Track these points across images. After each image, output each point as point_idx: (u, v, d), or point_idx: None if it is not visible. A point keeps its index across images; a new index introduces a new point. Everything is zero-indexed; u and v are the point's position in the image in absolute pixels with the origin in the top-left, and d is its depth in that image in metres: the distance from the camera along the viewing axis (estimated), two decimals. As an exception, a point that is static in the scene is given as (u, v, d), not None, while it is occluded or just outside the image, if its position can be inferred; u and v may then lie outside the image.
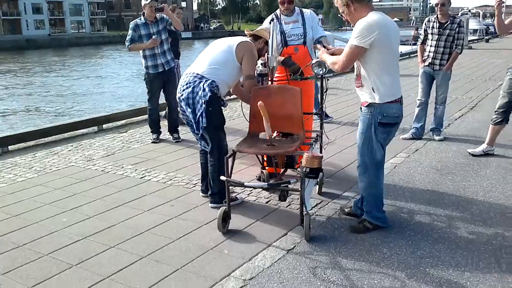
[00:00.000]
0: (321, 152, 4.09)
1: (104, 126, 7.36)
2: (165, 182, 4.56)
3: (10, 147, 6.27)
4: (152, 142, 6.20)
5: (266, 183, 3.43)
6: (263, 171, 4.29)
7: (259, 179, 4.40)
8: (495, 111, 5.03)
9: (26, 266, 3.01)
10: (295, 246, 3.18)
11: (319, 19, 4.79)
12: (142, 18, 6.04)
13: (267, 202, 3.96)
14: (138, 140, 6.38)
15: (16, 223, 3.70)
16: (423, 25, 5.98)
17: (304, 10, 4.65)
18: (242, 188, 4.11)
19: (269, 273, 2.84)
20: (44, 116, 16.34)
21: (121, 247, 3.24)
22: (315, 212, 3.72)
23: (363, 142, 3.31)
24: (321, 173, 3.91)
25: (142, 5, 5.98)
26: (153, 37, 5.91)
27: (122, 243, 3.29)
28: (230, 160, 3.44)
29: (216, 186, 3.77)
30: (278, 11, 4.59)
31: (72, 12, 73.79)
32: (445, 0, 5.61)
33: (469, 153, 5.20)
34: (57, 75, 29.10)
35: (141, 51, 6.03)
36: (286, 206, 3.85)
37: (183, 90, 3.73)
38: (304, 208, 3.28)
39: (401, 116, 3.28)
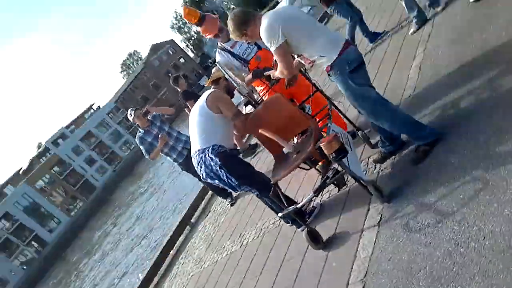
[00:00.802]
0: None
1: (192, 220, 7.78)
2: (259, 236, 4.76)
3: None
4: (231, 205, 6.44)
5: (313, 193, 3.49)
6: (317, 168, 4.35)
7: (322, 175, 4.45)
8: None
9: None
10: (381, 216, 3.22)
11: None
12: (140, 129, 6.37)
13: (338, 191, 4.01)
14: (221, 212, 6.67)
15: None
16: None
17: None
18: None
19: (376, 257, 2.90)
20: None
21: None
22: (381, 170, 3.73)
23: (353, 98, 3.37)
24: (360, 132, 3.96)
25: (131, 120, 6.38)
26: (160, 136, 6.20)
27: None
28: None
29: (286, 218, 3.91)
30: (219, 44, 4.68)
31: (113, 139, 78.37)
32: None
33: (470, 2, 4.90)
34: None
35: (161, 153, 6.36)
36: (354, 184, 3.87)
37: (200, 171, 3.91)
38: (361, 181, 3.31)
39: (359, 55, 3.33)
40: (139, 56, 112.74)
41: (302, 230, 3.61)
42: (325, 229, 3.64)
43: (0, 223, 61.38)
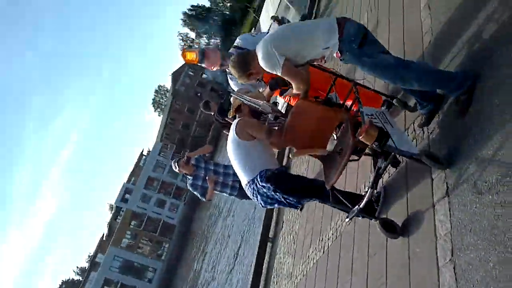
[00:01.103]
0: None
1: (270, 235, 7.78)
2: (337, 237, 4.66)
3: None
4: (300, 210, 6.27)
5: (370, 189, 3.35)
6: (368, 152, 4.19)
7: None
8: None
9: None
10: (446, 184, 3.02)
11: None
12: (189, 177, 6.42)
13: (397, 172, 3.85)
14: (294, 220, 6.62)
15: None
16: None
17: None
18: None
19: (457, 232, 2.72)
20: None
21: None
22: (430, 133, 3.53)
23: (373, 71, 3.27)
24: (395, 99, 3.79)
25: (178, 171, 6.48)
26: (207, 177, 6.22)
27: None
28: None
29: (356, 214, 3.77)
30: (227, 70, 4.58)
31: (173, 175, 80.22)
32: None
33: None
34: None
35: (215, 191, 6.40)
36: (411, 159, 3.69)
37: (258, 201, 3.87)
38: (413, 156, 3.15)
39: (359, 25, 3.22)
40: (165, 88, 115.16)
41: (376, 221, 3.50)
42: (396, 214, 3.49)
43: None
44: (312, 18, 12.68)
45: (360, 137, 3.04)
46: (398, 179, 3.76)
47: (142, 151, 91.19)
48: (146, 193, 76.08)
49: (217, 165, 6.54)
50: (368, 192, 3.32)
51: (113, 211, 79.42)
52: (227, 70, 4.60)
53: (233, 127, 3.94)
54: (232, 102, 4.23)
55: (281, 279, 6.17)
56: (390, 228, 3.37)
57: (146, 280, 66.15)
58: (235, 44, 4.54)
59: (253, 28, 24.27)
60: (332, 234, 4.76)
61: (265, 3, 17.02)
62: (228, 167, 6.46)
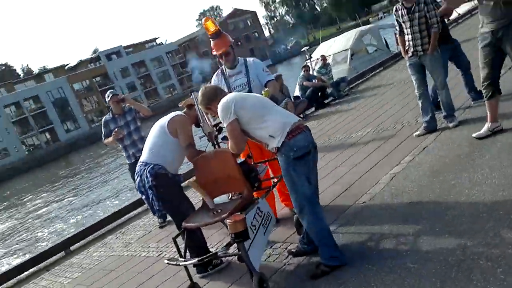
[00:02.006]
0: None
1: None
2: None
3: (72, 247, 7.02)
4: (160, 227, 6.20)
5: (200, 260, 3.47)
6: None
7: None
8: (482, 85, 4.53)
9: None
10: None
11: (265, 65, 4.72)
12: (110, 113, 6.31)
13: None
14: (141, 230, 6.59)
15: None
16: (393, 16, 5.62)
17: (248, 59, 4.66)
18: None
19: None
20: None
21: None
22: (287, 263, 3.68)
23: (288, 185, 3.34)
24: (295, 215, 3.89)
25: (107, 103, 6.28)
26: (116, 130, 6.07)
27: None
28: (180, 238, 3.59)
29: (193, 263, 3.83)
30: (223, 66, 4.66)
31: (161, 78, 79.30)
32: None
33: (475, 137, 4.71)
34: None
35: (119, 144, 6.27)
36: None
37: (135, 181, 3.98)
38: (251, 270, 3.27)
39: (310, 142, 3.30)
40: (220, 13, 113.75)
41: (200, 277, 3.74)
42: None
43: (27, 103, 63.65)
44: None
45: (227, 221, 3.19)
46: (239, 266, 3.88)
47: (157, 38, 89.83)
48: (129, 69, 75.85)
49: (137, 131, 6.27)
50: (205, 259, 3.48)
51: (92, 56, 77.81)
52: (223, 67, 4.65)
53: (171, 115, 4.03)
54: (190, 97, 4.25)
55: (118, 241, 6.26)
56: None
57: (65, 127, 66.26)
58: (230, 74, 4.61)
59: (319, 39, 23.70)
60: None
61: (346, 33, 16.69)
62: (142, 141, 5.86)
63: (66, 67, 77.82)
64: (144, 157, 4.00)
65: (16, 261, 11.59)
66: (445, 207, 3.59)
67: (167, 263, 3.56)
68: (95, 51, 78.52)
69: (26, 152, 60.53)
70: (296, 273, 3.50)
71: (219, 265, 4.07)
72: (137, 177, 3.96)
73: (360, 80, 12.97)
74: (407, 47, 5.50)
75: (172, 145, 3.95)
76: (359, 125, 7.51)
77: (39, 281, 6.01)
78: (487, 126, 4.67)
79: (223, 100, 3.41)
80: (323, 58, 11.91)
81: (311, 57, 14.10)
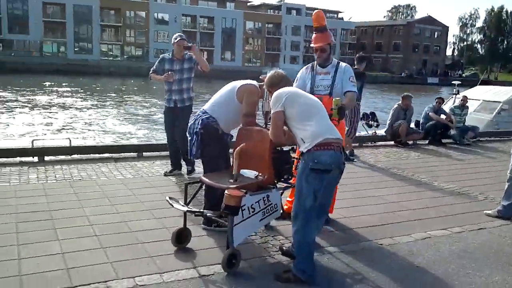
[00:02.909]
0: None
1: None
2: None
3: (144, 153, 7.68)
4: (164, 175, 6.35)
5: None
6: None
7: None
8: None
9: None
10: (212, 274, 3.41)
11: (353, 75, 4.60)
12: (170, 54, 6.32)
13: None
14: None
15: None
16: None
17: (341, 63, 4.65)
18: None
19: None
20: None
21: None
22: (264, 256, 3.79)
23: (297, 188, 3.41)
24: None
25: (172, 42, 6.27)
26: (168, 72, 6.10)
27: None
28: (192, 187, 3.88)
29: (203, 215, 4.03)
30: (315, 62, 4.70)
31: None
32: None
33: None
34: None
35: (164, 85, 6.32)
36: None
37: (191, 122, 4.30)
38: (229, 244, 3.45)
39: (334, 163, 3.30)
40: (413, 13, 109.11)
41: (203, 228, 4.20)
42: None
43: (202, 20, 68.08)
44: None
45: (226, 191, 3.38)
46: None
47: None
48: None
49: (188, 80, 6.26)
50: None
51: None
52: (314, 63, 4.70)
53: (246, 81, 4.28)
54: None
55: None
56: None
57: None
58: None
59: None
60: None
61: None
62: (189, 91, 6.31)
63: (248, 3, 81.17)
64: (206, 106, 4.30)
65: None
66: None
67: (168, 201, 3.83)
68: (280, 0, 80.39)
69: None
70: (273, 267, 3.59)
71: (222, 227, 4.28)
72: (192, 120, 4.28)
73: (493, 138, 11.94)
74: None
75: (234, 106, 4.18)
76: (451, 177, 7.05)
77: (101, 167, 6.68)
78: None
79: (280, 90, 3.57)
80: (464, 99, 11.06)
81: (458, 92, 13.15)
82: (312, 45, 4.65)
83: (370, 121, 12.76)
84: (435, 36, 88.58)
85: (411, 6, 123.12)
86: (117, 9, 64.38)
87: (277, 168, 3.92)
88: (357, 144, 9.45)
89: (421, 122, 10.74)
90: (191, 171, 6.41)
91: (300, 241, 3.37)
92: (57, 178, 5.87)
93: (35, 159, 6.86)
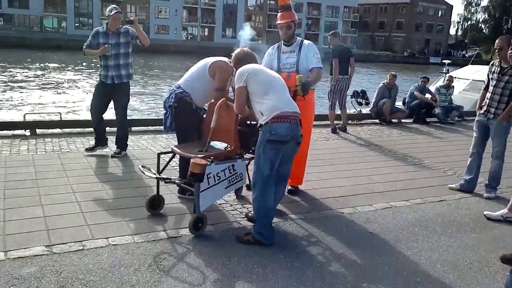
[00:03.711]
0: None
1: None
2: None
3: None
4: (85, 149, 6.23)
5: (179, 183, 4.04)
6: None
7: None
8: None
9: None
10: (179, 237, 3.74)
11: (317, 52, 4.85)
12: (105, 27, 6.01)
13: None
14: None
15: None
16: (488, 68, 5.32)
17: (304, 41, 4.90)
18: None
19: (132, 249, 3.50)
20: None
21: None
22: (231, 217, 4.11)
23: (256, 158, 3.70)
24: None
25: (106, 14, 5.99)
26: (105, 46, 5.83)
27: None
28: (163, 157, 4.21)
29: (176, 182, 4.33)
30: (281, 41, 4.95)
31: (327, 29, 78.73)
32: (503, 43, 4.92)
33: (485, 215, 4.55)
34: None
35: (100, 61, 6.03)
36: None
37: (166, 97, 4.59)
38: (195, 210, 3.77)
39: (290, 135, 3.59)
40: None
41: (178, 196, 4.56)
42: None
43: (203, -3, 67.40)
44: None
45: (192, 160, 3.66)
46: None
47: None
48: None
49: (126, 56, 6.02)
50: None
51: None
52: (281, 43, 4.94)
53: (218, 58, 4.54)
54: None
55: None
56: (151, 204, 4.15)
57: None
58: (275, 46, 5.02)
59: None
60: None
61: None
62: (128, 67, 6.06)
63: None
64: (180, 81, 4.57)
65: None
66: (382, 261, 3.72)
67: (140, 169, 4.12)
68: (283, -24, 79.10)
69: (183, 38, 65.33)
70: (236, 231, 3.90)
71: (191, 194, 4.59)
72: (168, 93, 4.57)
73: (478, 117, 12.09)
74: (483, 104, 5.26)
75: (206, 82, 4.44)
76: (426, 154, 7.33)
77: (90, 140, 6.64)
78: (502, 211, 4.49)
79: (243, 67, 3.84)
80: (450, 79, 11.25)
81: (448, 72, 13.30)
82: (277, 22, 4.90)
83: (360, 99, 13.02)
84: (439, 15, 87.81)
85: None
86: (118, -16, 63.98)
87: (244, 140, 4.22)
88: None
89: (406, 100, 10.97)
90: (118, 153, 6.14)
91: (258, 207, 3.69)
92: (46, 150, 6.18)
93: (27, 132, 7.16)
